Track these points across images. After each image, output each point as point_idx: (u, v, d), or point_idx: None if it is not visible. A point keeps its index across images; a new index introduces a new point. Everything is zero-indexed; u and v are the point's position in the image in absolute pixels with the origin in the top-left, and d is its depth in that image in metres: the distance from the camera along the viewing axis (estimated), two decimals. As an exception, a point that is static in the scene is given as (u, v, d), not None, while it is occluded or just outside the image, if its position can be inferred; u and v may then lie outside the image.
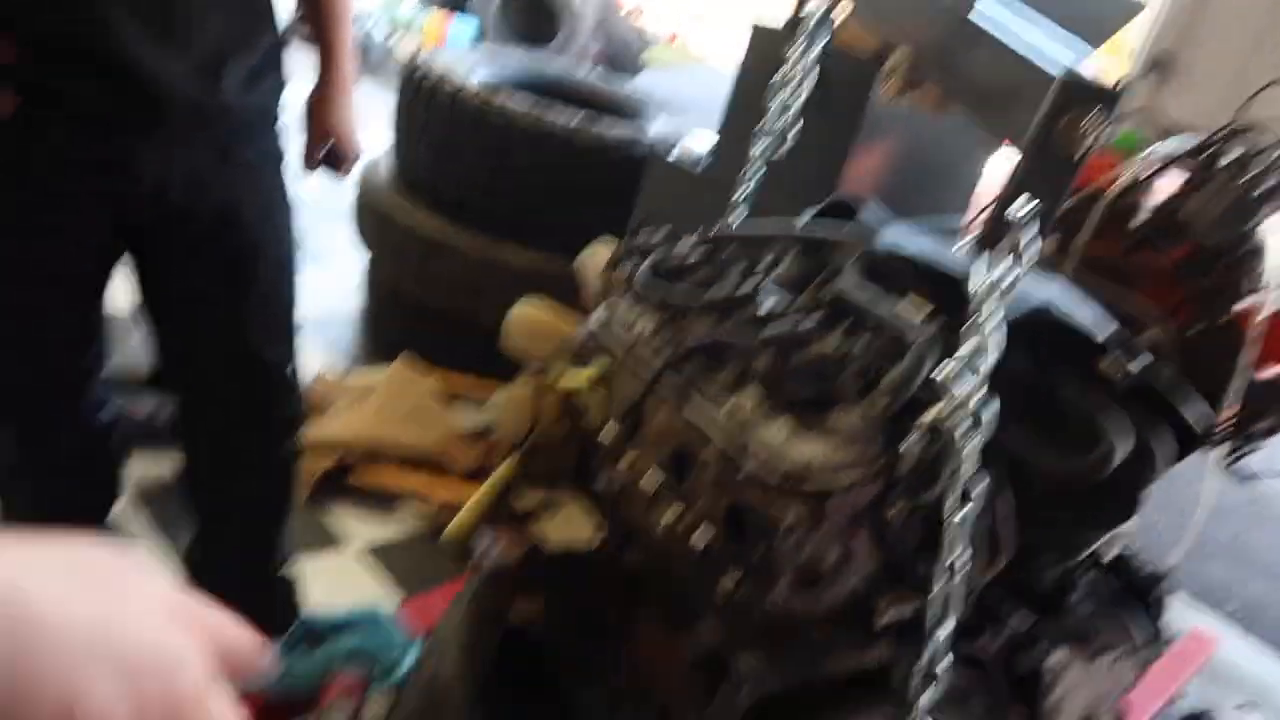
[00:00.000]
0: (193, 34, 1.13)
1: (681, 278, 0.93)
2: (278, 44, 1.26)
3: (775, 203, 1.15)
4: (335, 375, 2.49)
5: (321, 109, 1.40)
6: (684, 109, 2.89)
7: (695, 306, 0.86)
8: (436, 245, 2.45)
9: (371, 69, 5.85)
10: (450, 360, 2.50)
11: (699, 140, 2.34)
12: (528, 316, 1.96)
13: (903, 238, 0.96)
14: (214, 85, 1.17)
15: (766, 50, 2.06)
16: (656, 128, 2.63)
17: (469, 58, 2.76)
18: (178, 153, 1.18)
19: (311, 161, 1.42)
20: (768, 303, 0.85)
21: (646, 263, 0.94)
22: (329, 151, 1.43)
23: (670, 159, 2.30)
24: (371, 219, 2.63)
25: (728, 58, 12.14)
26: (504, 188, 2.42)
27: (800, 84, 1.25)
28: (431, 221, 2.49)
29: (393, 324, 2.79)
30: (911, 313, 0.79)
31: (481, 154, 2.39)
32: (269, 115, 1.29)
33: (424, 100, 2.46)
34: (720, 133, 2.18)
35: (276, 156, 1.32)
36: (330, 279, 2.98)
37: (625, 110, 2.92)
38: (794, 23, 1.24)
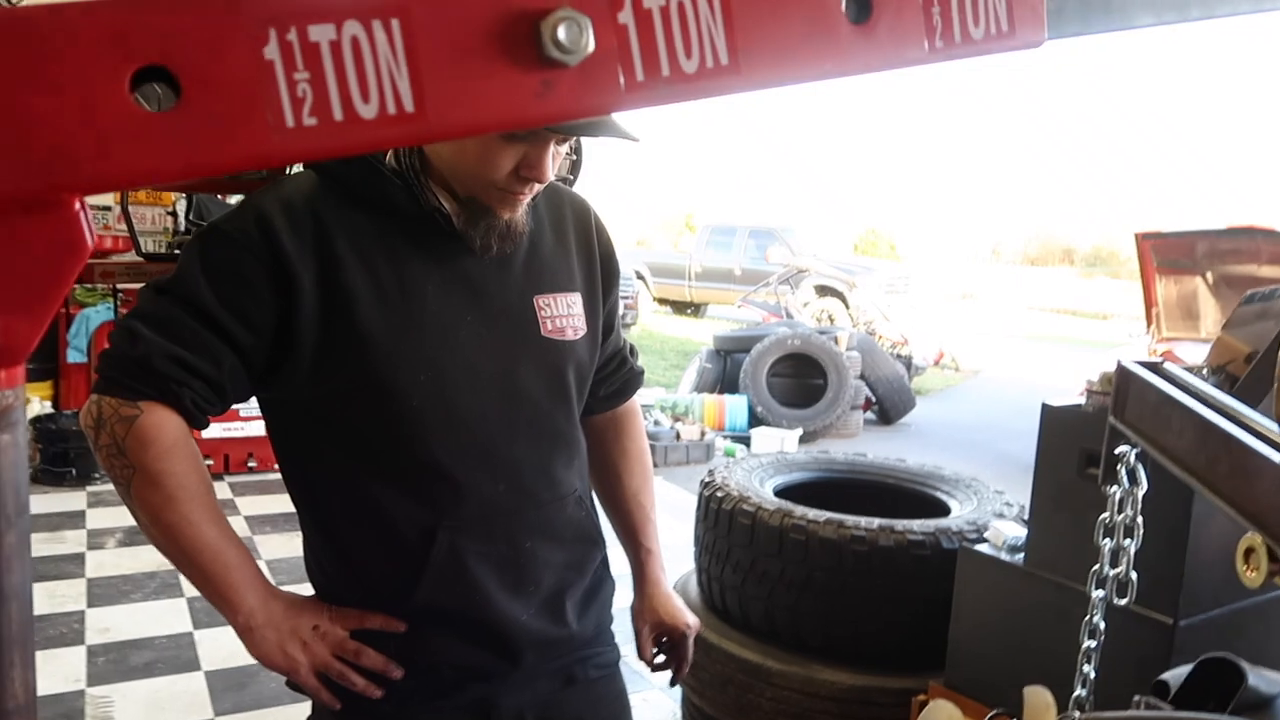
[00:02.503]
0: (542, 580, 1.24)
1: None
2: (604, 558, 1.37)
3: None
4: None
5: (650, 613, 1.45)
6: (971, 434, 2.82)
7: None
8: (752, 671, 2.44)
9: (659, 461, 6.25)
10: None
11: (1008, 525, 2.25)
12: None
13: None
14: (558, 620, 1.27)
15: (1064, 428, 2.02)
16: (961, 512, 2.56)
17: (762, 469, 2.88)
18: (529, 687, 1.27)
19: (653, 665, 1.48)
20: None
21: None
22: (667, 648, 1.47)
23: (981, 549, 2.21)
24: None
25: (996, 363, 11.88)
26: (812, 605, 2.40)
27: (1131, 529, 1.20)
28: (745, 647, 2.49)
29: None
30: None
31: (785, 572, 2.41)
32: (604, 631, 1.38)
33: (724, 524, 2.56)
34: (1030, 521, 2.09)
35: (614, 663, 1.39)
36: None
37: (922, 481, 2.90)
38: (1111, 462, 1.22)
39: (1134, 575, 1.21)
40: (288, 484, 1.22)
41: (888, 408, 8.29)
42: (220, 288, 1.07)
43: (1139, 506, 1.19)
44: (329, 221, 1.10)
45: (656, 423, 6.61)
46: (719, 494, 2.63)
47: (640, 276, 15.86)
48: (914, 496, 2.88)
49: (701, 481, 2.82)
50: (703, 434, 6.65)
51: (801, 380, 7.61)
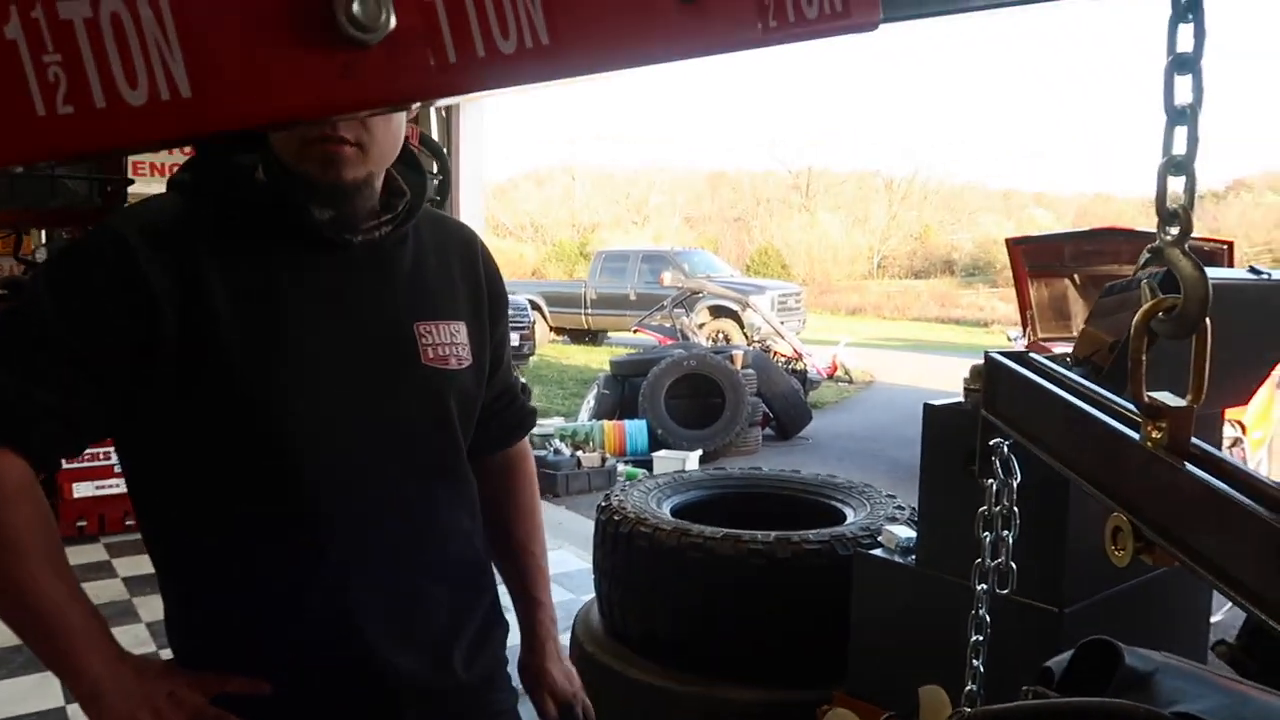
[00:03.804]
0: (428, 625, 1.17)
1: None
2: (495, 600, 1.31)
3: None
4: None
5: (540, 673, 1.38)
6: (866, 444, 2.86)
7: None
8: (658, 696, 2.39)
9: (561, 490, 6.19)
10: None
11: (900, 528, 2.27)
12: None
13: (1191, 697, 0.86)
14: (444, 669, 1.19)
15: (946, 427, 2.05)
16: (856, 519, 2.59)
17: (659, 490, 2.86)
18: None
19: None
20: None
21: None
22: (564, 711, 1.39)
23: (875, 553, 2.23)
24: (590, 673, 2.62)
25: (887, 373, 12.22)
26: (715, 623, 2.38)
27: (1008, 520, 1.21)
28: (649, 673, 2.45)
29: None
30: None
31: (685, 592, 2.39)
32: (497, 677, 1.30)
33: (622, 547, 2.52)
34: (919, 522, 2.12)
35: (512, 708, 1.32)
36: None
37: (817, 491, 2.93)
38: (986, 455, 1.23)
39: (1014, 566, 1.22)
40: (147, 540, 1.12)
41: (785, 423, 8.41)
42: (70, 312, 0.99)
43: (1014, 497, 1.20)
44: (191, 241, 1.02)
45: (557, 451, 6.54)
46: (616, 517, 2.60)
47: (536, 307, 15.78)
48: (811, 507, 2.90)
49: (598, 506, 2.78)
50: (604, 460, 6.61)
51: (699, 400, 7.66)
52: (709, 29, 0.55)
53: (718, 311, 13.91)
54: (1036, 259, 6.56)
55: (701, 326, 13.35)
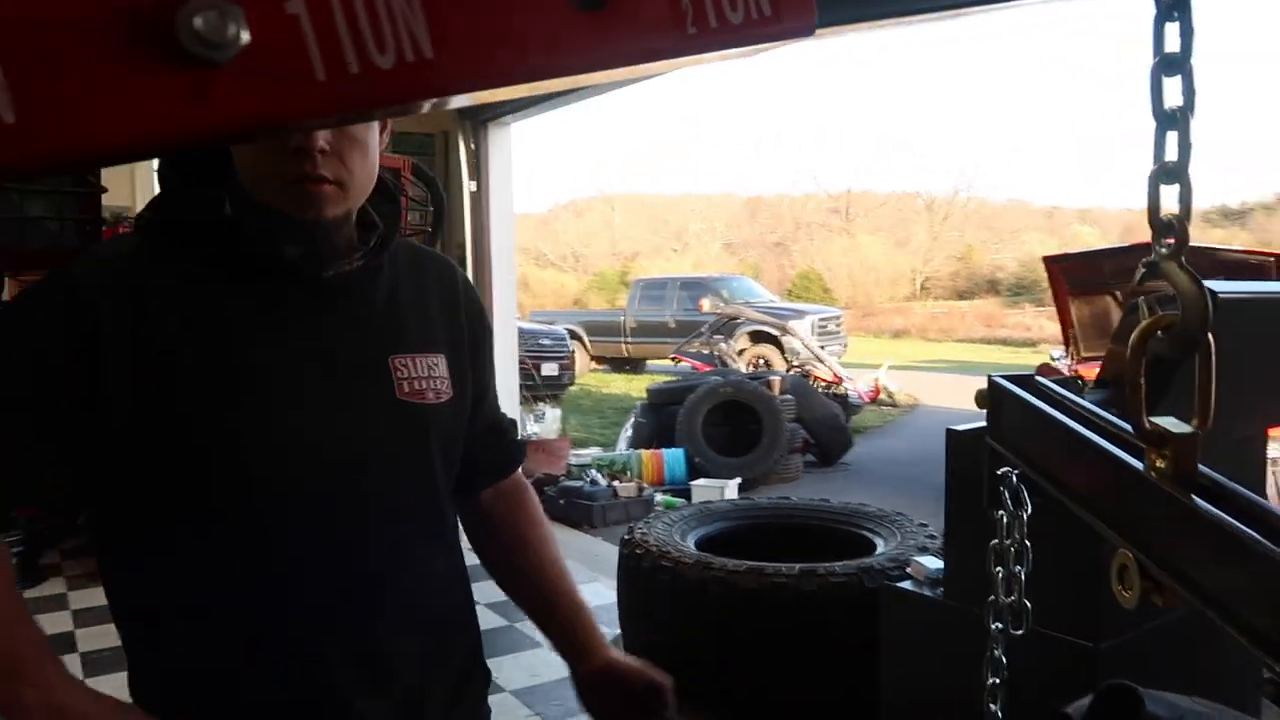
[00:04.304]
0: (399, 675, 1.11)
1: None
2: (474, 647, 1.25)
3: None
4: None
5: (612, 667, 1.25)
6: (909, 469, 2.78)
7: None
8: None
9: (597, 521, 6.12)
10: None
11: (929, 559, 2.19)
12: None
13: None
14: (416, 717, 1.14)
15: (970, 453, 1.97)
16: (886, 549, 2.51)
17: (684, 522, 2.80)
18: None
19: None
20: None
21: None
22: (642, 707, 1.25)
23: (903, 585, 2.15)
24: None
25: (931, 397, 12.03)
26: (739, 660, 2.31)
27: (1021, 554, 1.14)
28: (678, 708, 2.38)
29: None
30: None
31: (708, 627, 2.32)
32: None
33: (644, 582, 2.47)
34: (945, 552, 2.04)
35: None
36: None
37: (847, 520, 2.85)
38: (994, 484, 1.16)
39: (1028, 604, 1.15)
40: (109, 594, 1.09)
41: (826, 448, 8.28)
42: (12, 357, 0.96)
43: (1025, 530, 1.13)
44: (147, 279, 0.99)
45: (593, 482, 6.49)
46: (638, 550, 2.54)
47: (576, 336, 15.81)
48: (841, 537, 2.82)
49: (621, 539, 2.73)
50: (640, 490, 6.54)
51: (737, 428, 7.58)
52: (618, 38, 0.51)
53: (757, 337, 13.82)
54: (1076, 277, 6.41)
55: (741, 353, 13.26)
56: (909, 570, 2.23)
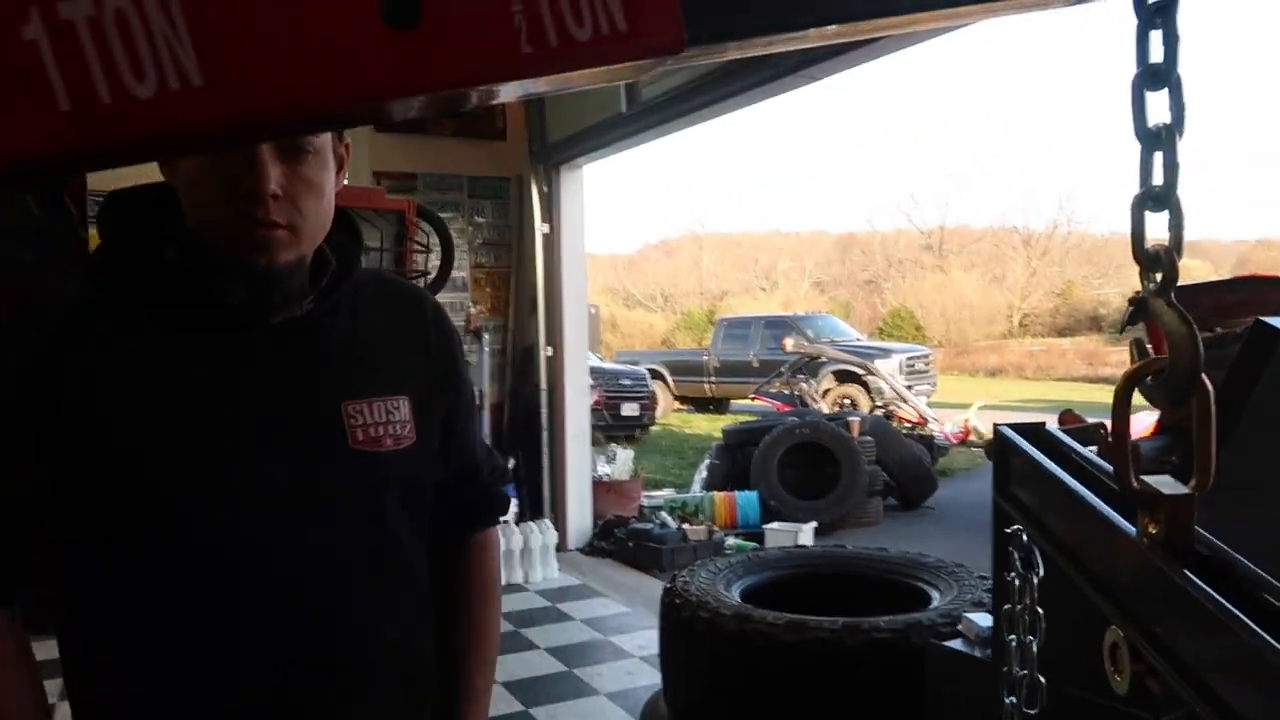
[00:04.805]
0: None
1: None
2: (443, 697, 1.19)
3: None
4: None
5: None
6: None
7: None
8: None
9: (666, 565, 6.02)
10: None
11: (983, 615, 2.05)
12: None
13: None
14: None
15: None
16: (940, 603, 2.36)
17: (730, 570, 2.70)
18: None
19: None
20: None
21: None
22: None
23: (952, 644, 2.01)
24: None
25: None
26: (776, 717, 2.19)
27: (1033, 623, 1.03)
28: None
29: None
30: None
31: (747, 683, 2.22)
32: None
33: (683, 633, 2.38)
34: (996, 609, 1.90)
35: None
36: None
37: (903, 571, 2.70)
38: (1002, 543, 1.06)
39: (1042, 680, 1.03)
40: (59, 641, 1.05)
41: (908, 492, 8.00)
42: None
43: (1035, 595, 1.02)
44: (91, 328, 0.98)
45: (663, 524, 6.39)
46: (678, 600, 2.46)
47: (658, 376, 15.78)
48: (898, 589, 2.68)
49: (664, 587, 2.65)
50: (711, 533, 6.40)
51: (815, 470, 7.38)
52: (436, 60, 0.46)
53: (843, 377, 13.54)
54: (1173, 313, 6.05)
55: (826, 393, 13.02)
56: (960, 628, 2.09)
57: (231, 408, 0.99)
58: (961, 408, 12.07)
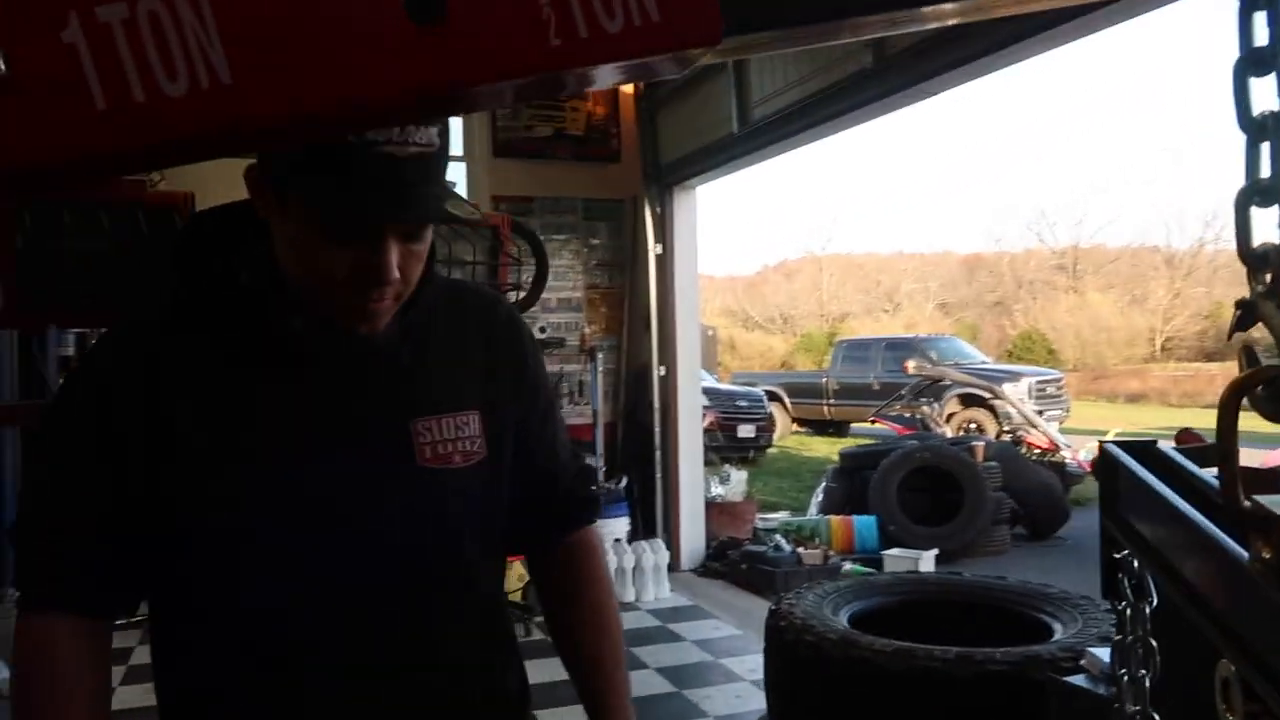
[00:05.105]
0: None
1: None
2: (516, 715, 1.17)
3: None
4: None
5: None
6: None
7: None
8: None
9: (779, 588, 5.91)
10: None
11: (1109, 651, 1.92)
12: None
13: None
14: None
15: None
16: (1062, 636, 2.24)
17: (839, 595, 2.63)
18: None
19: None
20: None
21: None
22: None
23: (1075, 680, 1.89)
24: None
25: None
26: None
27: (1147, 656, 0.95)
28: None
29: None
30: None
31: (853, 712, 2.14)
32: None
33: (787, 658, 2.32)
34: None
35: None
36: None
37: (1023, 601, 2.57)
38: (1111, 570, 0.98)
39: (1155, 716, 0.95)
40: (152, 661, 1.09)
41: (1037, 520, 7.64)
42: (79, 437, 0.98)
43: (1148, 626, 0.94)
44: (162, 351, 0.99)
45: (777, 547, 6.28)
46: (782, 624, 2.40)
47: (776, 398, 15.59)
48: (1016, 619, 2.55)
49: (769, 610, 2.59)
50: (826, 557, 6.26)
51: (937, 496, 7.14)
52: (462, 54, 0.46)
53: (969, 400, 13.09)
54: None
55: (950, 417, 12.61)
56: (1083, 663, 1.97)
57: (299, 430, 1.00)
58: (1098, 434, 11.48)
